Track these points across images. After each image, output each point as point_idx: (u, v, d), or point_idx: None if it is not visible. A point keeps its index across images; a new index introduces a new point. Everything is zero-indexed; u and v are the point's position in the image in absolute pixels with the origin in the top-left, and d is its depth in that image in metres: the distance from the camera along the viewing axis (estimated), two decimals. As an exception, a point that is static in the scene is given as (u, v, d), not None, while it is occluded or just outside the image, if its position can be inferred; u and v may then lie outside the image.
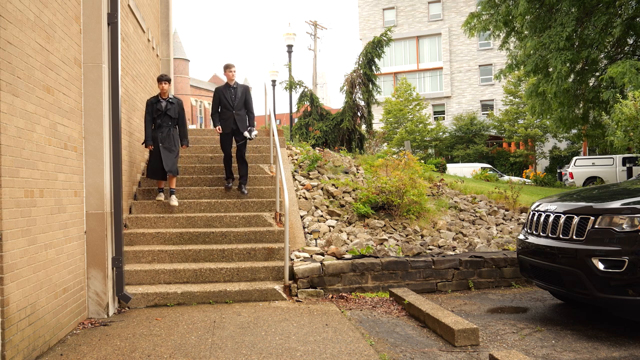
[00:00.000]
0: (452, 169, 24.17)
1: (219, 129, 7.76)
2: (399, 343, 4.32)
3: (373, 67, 15.00)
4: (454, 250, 6.88)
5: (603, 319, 4.94)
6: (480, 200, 9.23)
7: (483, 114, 38.78)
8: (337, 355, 3.94)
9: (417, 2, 42.39)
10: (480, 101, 40.09)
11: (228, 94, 7.74)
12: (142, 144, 7.51)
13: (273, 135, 8.07)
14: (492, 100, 39.45)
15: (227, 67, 7.77)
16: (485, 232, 7.59)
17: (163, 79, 7.27)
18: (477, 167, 26.49)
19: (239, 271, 5.98)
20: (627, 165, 19.25)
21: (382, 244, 6.81)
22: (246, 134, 7.75)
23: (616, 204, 4.39)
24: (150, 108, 7.24)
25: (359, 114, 14.98)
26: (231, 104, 7.69)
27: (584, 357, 3.92)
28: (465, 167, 26.53)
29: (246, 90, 7.85)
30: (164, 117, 7.21)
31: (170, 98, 7.30)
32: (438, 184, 9.63)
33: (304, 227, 7.29)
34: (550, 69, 15.22)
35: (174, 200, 7.23)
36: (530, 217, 5.27)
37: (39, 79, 4.07)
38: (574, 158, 22.56)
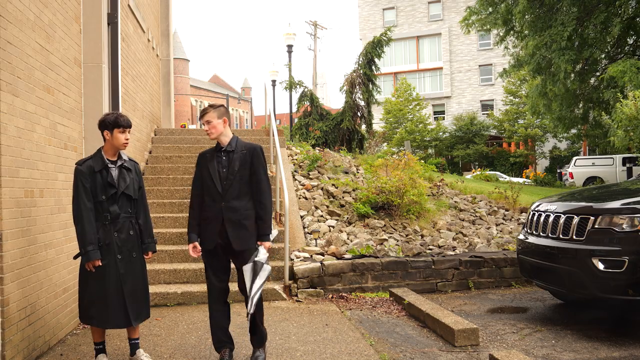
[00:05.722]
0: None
1: (193, 247, 3.74)
2: (399, 343, 4.32)
3: (373, 67, 14.98)
4: (454, 250, 6.88)
5: (603, 319, 4.94)
6: (480, 200, 9.23)
7: (483, 114, 38.78)
8: (337, 355, 3.94)
9: (417, 2, 42.42)
10: (480, 101, 40.12)
11: (215, 165, 3.73)
12: (75, 257, 3.64)
13: (273, 135, 8.08)
14: (492, 100, 39.49)
15: (203, 114, 3.74)
16: (485, 232, 7.59)
17: (123, 124, 3.65)
18: None
19: (239, 271, 5.97)
20: (627, 165, 19.25)
21: (382, 244, 6.81)
22: (260, 256, 3.81)
23: (616, 204, 4.39)
24: (87, 182, 3.54)
25: (359, 114, 14.97)
26: (218, 185, 3.69)
27: (584, 357, 3.92)
28: None
29: (253, 154, 3.78)
30: (120, 199, 3.64)
31: (125, 161, 3.75)
32: (438, 184, 9.63)
33: (304, 227, 7.29)
34: (553, 69, 15.22)
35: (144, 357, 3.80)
36: (530, 217, 5.27)
37: (39, 79, 4.07)
38: (574, 158, 22.55)
